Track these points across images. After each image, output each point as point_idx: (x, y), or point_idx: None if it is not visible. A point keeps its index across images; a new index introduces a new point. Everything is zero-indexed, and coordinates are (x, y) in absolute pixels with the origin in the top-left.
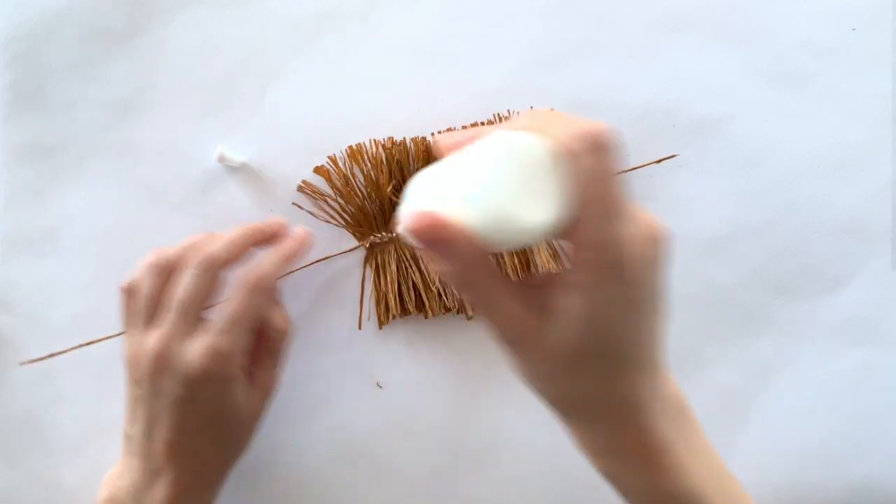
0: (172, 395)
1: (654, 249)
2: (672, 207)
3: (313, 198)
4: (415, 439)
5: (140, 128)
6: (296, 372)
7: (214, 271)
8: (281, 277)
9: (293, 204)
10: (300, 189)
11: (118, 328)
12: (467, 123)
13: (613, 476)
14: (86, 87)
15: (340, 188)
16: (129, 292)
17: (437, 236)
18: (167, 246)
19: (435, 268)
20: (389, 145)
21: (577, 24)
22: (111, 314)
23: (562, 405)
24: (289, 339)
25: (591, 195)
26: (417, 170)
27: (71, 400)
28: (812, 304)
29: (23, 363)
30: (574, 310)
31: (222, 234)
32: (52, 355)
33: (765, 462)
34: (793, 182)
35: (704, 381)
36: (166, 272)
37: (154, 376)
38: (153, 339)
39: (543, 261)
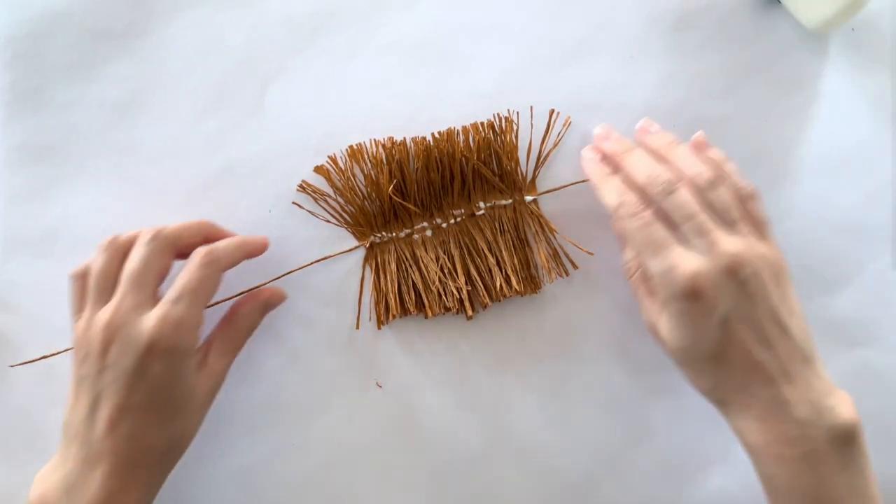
0: (121, 368)
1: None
2: None
3: (313, 197)
4: (415, 439)
5: (140, 128)
6: (295, 371)
7: (164, 245)
8: (281, 277)
9: (293, 203)
10: (300, 189)
11: None
12: (467, 123)
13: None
14: (86, 87)
15: (341, 188)
16: (80, 276)
17: None
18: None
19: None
20: (389, 145)
21: (578, 24)
22: None
23: (703, 395)
24: (251, 331)
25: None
26: (417, 170)
27: None
28: (812, 304)
29: (12, 365)
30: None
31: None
32: (44, 357)
33: None
34: (793, 182)
35: None
36: (120, 252)
37: (102, 349)
38: (105, 311)
39: (543, 260)
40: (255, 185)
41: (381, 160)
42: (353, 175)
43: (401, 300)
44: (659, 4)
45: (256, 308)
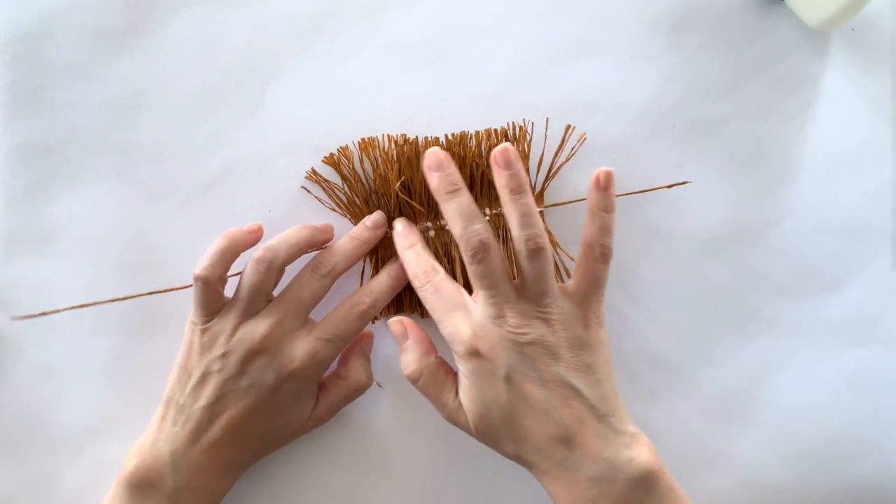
0: (260, 380)
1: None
2: (672, 207)
3: (320, 186)
4: (415, 439)
5: (140, 128)
6: None
7: (332, 279)
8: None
9: (302, 188)
10: (309, 177)
11: (119, 326)
12: (467, 123)
13: None
14: (86, 87)
15: (349, 178)
16: (207, 282)
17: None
18: (165, 243)
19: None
20: (402, 142)
21: (577, 25)
22: (111, 313)
23: (514, 461)
24: (359, 393)
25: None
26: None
27: (71, 400)
28: (812, 304)
29: (14, 318)
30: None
31: (331, 231)
32: (44, 313)
33: (765, 462)
34: (793, 182)
35: (704, 381)
36: (277, 272)
37: (248, 357)
38: (262, 324)
39: None
40: (255, 185)
41: (392, 156)
42: (363, 167)
43: (398, 297)
44: (659, 4)
45: (362, 361)
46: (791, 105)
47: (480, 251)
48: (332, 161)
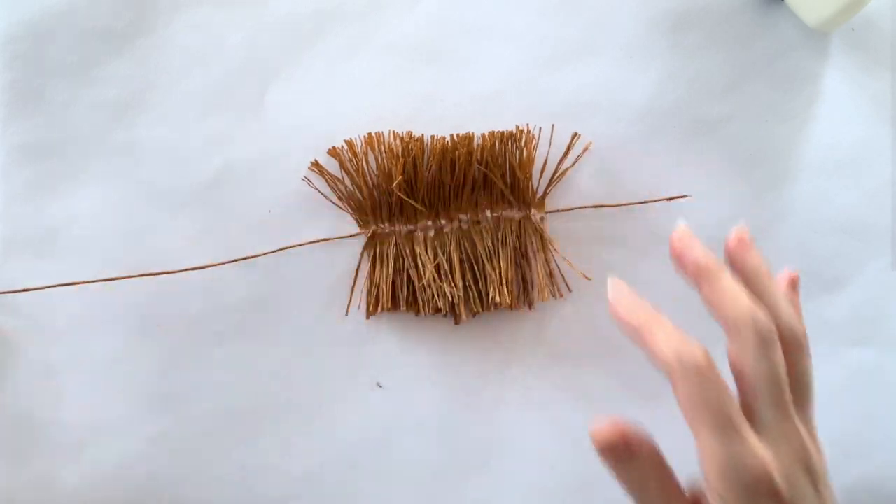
0: None
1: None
2: (672, 207)
3: (323, 177)
4: (414, 439)
5: (140, 128)
6: (290, 369)
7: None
8: (274, 252)
9: (304, 178)
10: (311, 168)
11: (119, 326)
12: (467, 123)
13: None
14: (86, 87)
15: (352, 171)
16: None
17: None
18: (165, 243)
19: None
20: (407, 139)
21: (578, 24)
22: (111, 313)
23: None
24: None
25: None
26: (430, 168)
27: (71, 400)
28: (812, 304)
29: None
30: None
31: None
32: (25, 290)
33: None
34: (793, 182)
35: None
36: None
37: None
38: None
39: (539, 278)
40: (255, 185)
41: (397, 152)
42: (367, 162)
43: (393, 294)
44: (659, 4)
45: None
46: (791, 105)
47: (769, 337)
48: (335, 153)
